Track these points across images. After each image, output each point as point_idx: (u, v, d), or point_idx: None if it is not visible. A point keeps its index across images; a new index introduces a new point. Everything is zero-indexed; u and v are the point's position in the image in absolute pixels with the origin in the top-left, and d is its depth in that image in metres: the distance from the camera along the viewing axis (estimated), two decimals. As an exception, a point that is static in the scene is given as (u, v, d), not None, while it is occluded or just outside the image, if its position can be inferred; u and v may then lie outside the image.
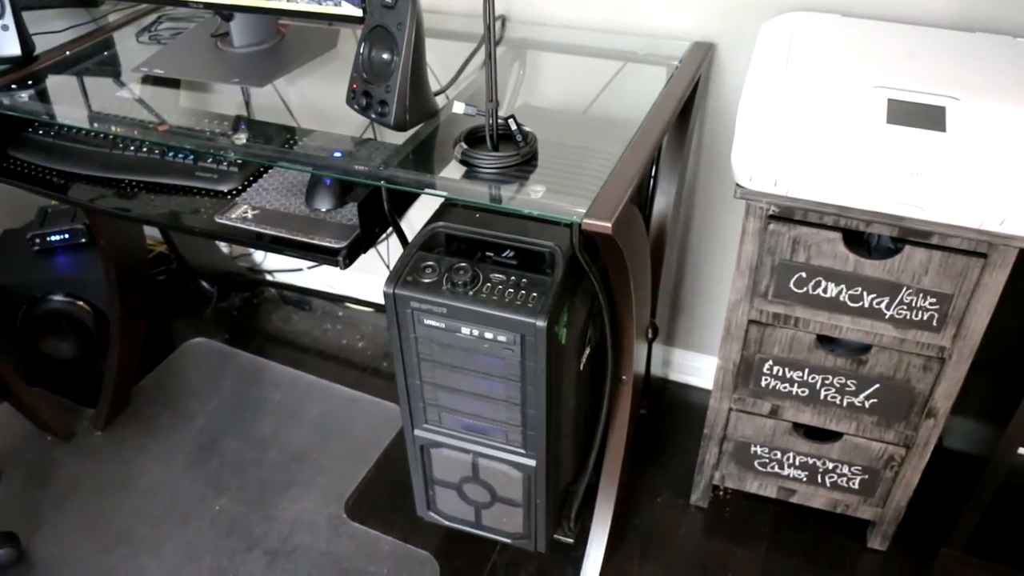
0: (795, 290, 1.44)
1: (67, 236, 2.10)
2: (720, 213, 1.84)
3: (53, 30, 1.77)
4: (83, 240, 2.11)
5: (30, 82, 1.60)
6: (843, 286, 1.41)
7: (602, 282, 1.33)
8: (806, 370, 1.53)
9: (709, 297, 1.98)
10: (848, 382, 1.52)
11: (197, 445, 2.01)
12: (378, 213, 1.34)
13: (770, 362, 1.55)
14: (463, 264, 1.27)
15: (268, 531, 1.81)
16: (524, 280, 1.25)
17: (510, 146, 1.27)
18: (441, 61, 1.57)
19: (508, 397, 1.33)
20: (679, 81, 1.49)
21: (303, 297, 2.44)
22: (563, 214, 1.15)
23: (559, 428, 1.40)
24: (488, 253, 1.33)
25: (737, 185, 1.35)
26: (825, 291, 1.43)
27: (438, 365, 1.34)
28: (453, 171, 1.27)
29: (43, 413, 2.03)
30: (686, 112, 1.57)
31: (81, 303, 2.07)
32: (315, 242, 1.30)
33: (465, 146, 1.26)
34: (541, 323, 1.20)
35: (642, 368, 1.81)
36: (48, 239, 2.09)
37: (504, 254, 1.32)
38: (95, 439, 2.05)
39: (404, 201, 1.41)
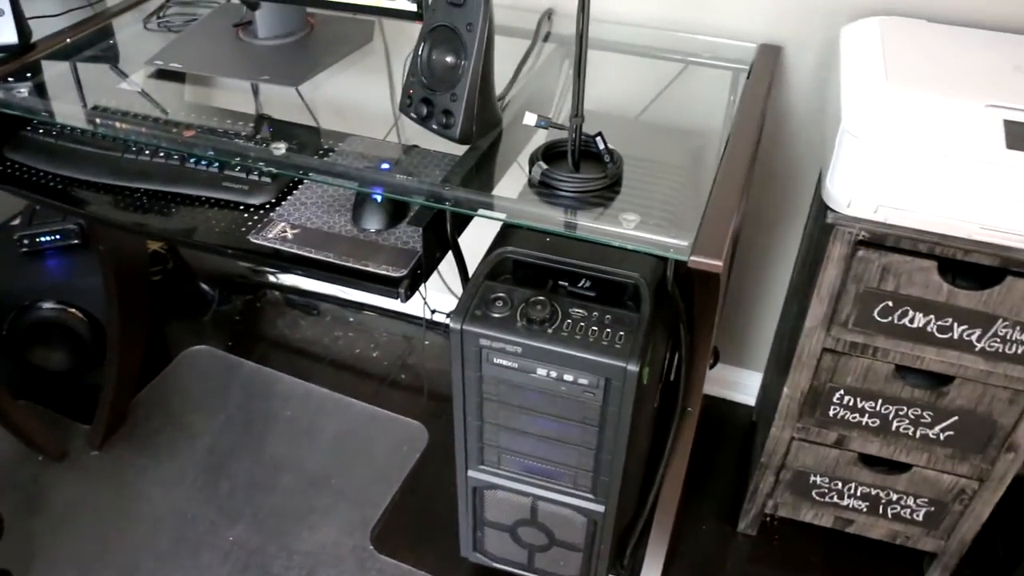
0: (878, 319, 1.33)
1: (59, 237, 1.92)
2: (774, 225, 1.72)
3: (49, 14, 1.59)
4: (76, 241, 1.93)
5: (28, 74, 1.43)
6: (932, 316, 1.31)
7: (686, 315, 1.21)
8: (879, 400, 1.43)
9: (755, 311, 1.87)
10: (924, 414, 1.42)
11: (204, 467, 1.86)
12: (439, 237, 1.20)
13: (841, 391, 1.44)
14: (540, 298, 1.14)
15: (288, 565, 1.67)
16: (608, 317, 1.12)
17: (592, 165, 1.14)
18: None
19: (582, 442, 1.20)
20: (757, 89, 1.37)
21: (310, 301, 2.28)
22: (664, 249, 1.03)
23: (631, 470, 1.28)
24: (561, 282, 1.20)
25: (828, 209, 1.24)
26: (911, 321, 1.32)
27: (504, 406, 1.21)
28: (525, 190, 1.13)
29: (32, 430, 1.87)
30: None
31: (74, 310, 1.90)
32: (370, 269, 1.16)
33: (544, 165, 1.12)
34: (633, 367, 1.08)
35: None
36: (37, 240, 1.91)
37: (580, 284, 1.19)
38: (91, 459, 1.88)
39: (464, 220, 1.27)
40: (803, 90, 1.54)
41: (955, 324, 1.30)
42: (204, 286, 2.25)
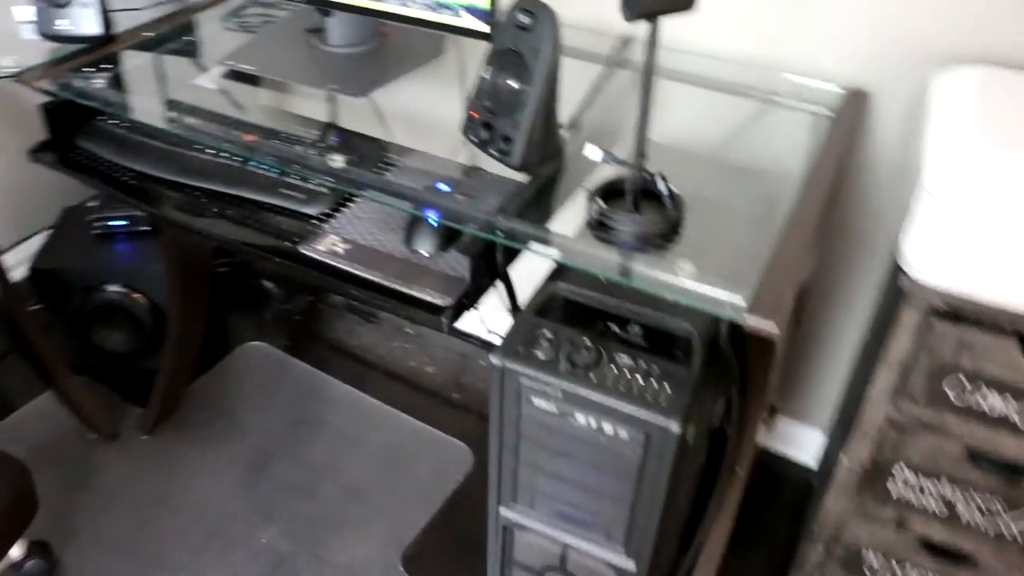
0: (950, 397, 1.24)
1: (129, 223, 1.95)
2: (851, 279, 1.63)
3: (134, 7, 1.60)
4: (145, 227, 1.96)
5: (107, 65, 1.44)
6: (1011, 400, 1.21)
7: (740, 374, 1.14)
8: (947, 484, 1.33)
9: (824, 366, 1.77)
10: (997, 506, 1.32)
11: (247, 464, 1.86)
12: (489, 265, 1.16)
13: (905, 468, 1.35)
14: (586, 342, 1.08)
15: (318, 575, 1.65)
16: (656, 368, 1.07)
17: (652, 206, 1.08)
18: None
19: (617, 495, 1.15)
20: (838, 136, 1.29)
21: (370, 308, 2.27)
22: (718, 306, 0.97)
23: (667, 529, 1.22)
24: (611, 325, 1.14)
25: (902, 272, 1.15)
26: (988, 403, 1.22)
27: (541, 448, 1.16)
28: (583, 232, 1.08)
29: (87, 407, 1.90)
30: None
31: (138, 295, 1.92)
32: (415, 294, 1.13)
33: (602, 203, 1.07)
34: (675, 427, 1.02)
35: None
36: (109, 224, 1.94)
37: (630, 329, 1.13)
38: (140, 443, 1.91)
39: (516, 251, 1.22)
40: (891, 140, 1.45)
41: (1038, 409, 1.20)
42: (267, 283, 2.26)
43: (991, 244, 1.06)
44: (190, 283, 1.84)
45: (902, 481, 1.37)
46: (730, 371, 1.12)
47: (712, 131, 1.37)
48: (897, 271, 1.18)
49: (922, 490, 1.36)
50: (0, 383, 2.05)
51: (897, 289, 1.17)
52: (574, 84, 1.36)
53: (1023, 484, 1.27)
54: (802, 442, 1.89)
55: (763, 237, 1.07)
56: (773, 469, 1.90)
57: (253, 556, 1.68)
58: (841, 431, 1.54)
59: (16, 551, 1.61)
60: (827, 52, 1.42)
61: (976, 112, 1.17)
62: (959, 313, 1.15)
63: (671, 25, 1.49)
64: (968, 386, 1.22)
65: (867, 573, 1.51)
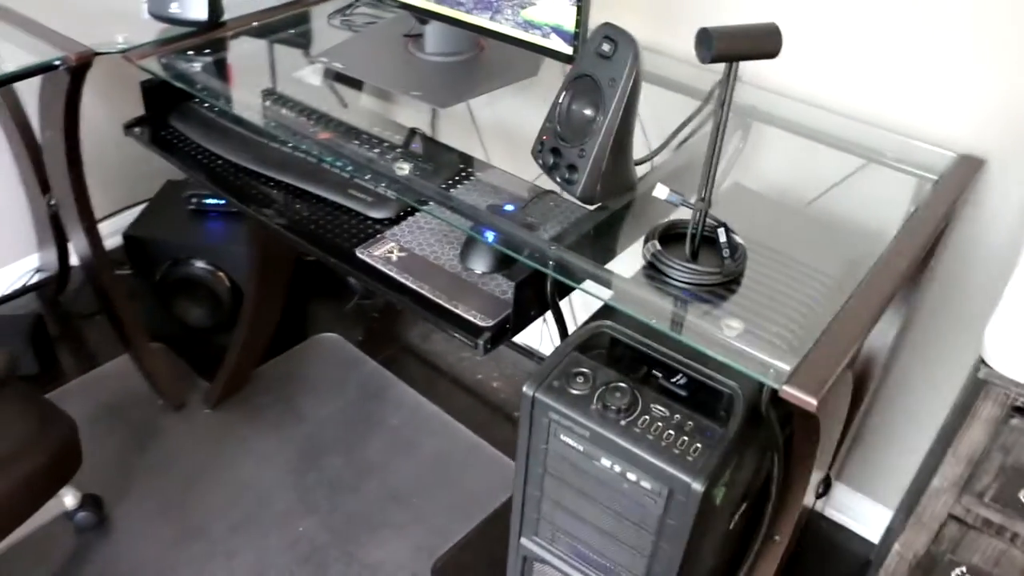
0: (1024, 500, 1.14)
1: (222, 203, 2.01)
2: (939, 358, 1.52)
3: (249, -5, 1.65)
4: (236, 210, 2.01)
5: (208, 50, 1.48)
6: (1090, 512, 1.10)
7: (783, 442, 1.08)
8: (1009, 590, 1.23)
9: (899, 443, 1.66)
10: (1061, 621, 1.20)
11: (300, 451, 1.89)
12: (539, 293, 1.13)
13: (963, 570, 1.25)
14: (622, 385, 1.04)
15: (346, 571, 1.66)
16: (691, 423, 1.02)
17: (712, 255, 1.04)
18: (649, 113, 1.34)
19: (636, 545, 1.10)
20: (938, 204, 1.21)
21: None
22: (757, 370, 0.91)
23: (689, 589, 1.16)
24: (655, 372, 1.10)
25: (983, 363, 1.06)
26: (1065, 513, 1.12)
27: (565, 485, 1.13)
28: (636, 272, 1.04)
29: (160, 375, 1.96)
30: (935, 242, 1.27)
31: (221, 274, 1.98)
32: (458, 312, 1.11)
33: (658, 247, 1.03)
34: (698, 486, 0.97)
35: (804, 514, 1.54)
36: (203, 202, 2.01)
37: (674, 379, 1.08)
38: (202, 416, 1.96)
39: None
40: (1004, 213, 1.35)
41: (1117, 528, 1.09)
42: (351, 278, 2.29)
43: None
44: (270, 269, 1.87)
45: (958, 581, 1.27)
46: (771, 437, 1.06)
47: (809, 184, 1.31)
48: (980, 359, 1.09)
49: (980, 594, 1.26)
50: (86, 340, 2.14)
51: (977, 380, 1.08)
52: (670, 119, 1.33)
53: (1092, 606, 1.16)
54: (869, 517, 1.78)
55: (829, 303, 1.01)
56: (834, 538, 1.80)
57: (287, 543, 1.70)
58: (903, 516, 1.45)
59: (70, 500, 1.67)
60: (947, 114, 1.33)
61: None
62: (1042, 413, 1.06)
63: (782, 69, 1.45)
64: (1044, 493, 1.12)
65: (911, 670, 1.41)
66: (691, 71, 1.49)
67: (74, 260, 2.11)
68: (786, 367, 0.91)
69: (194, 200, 2.00)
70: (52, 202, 1.89)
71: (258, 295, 1.89)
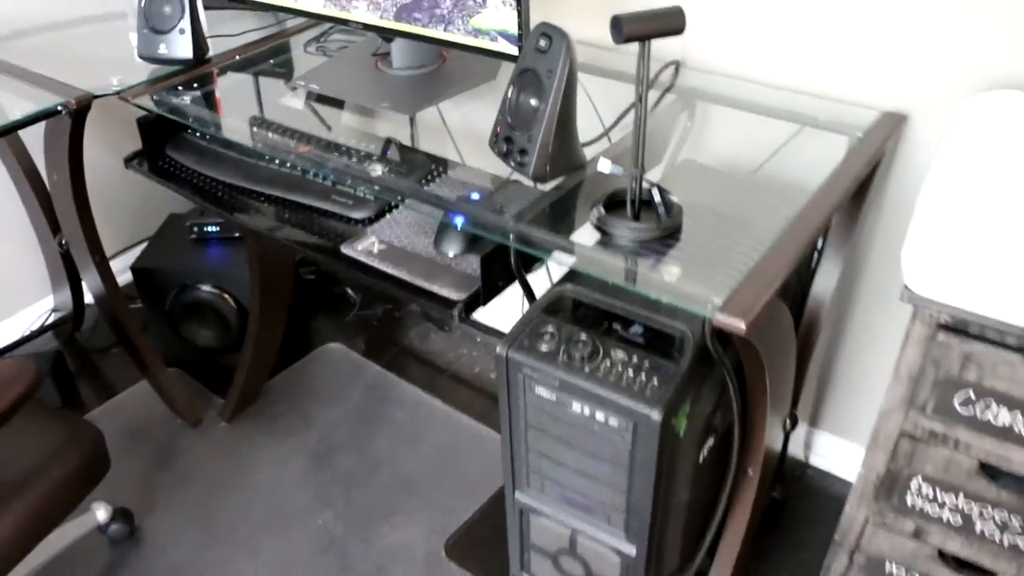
0: (959, 410, 1.26)
1: (222, 229, 2.15)
2: (888, 300, 1.66)
3: (230, 33, 1.80)
4: (236, 235, 2.15)
5: (196, 85, 1.63)
6: (1019, 413, 1.22)
7: (734, 372, 1.21)
8: (962, 496, 1.34)
9: (866, 382, 1.79)
10: (1012, 519, 1.32)
11: (313, 454, 2.02)
12: (504, 266, 1.27)
13: (920, 480, 1.37)
14: (584, 336, 1.18)
15: (364, 556, 1.78)
16: (647, 363, 1.15)
17: (652, 217, 1.17)
18: (608, 104, 1.48)
19: (614, 482, 1.23)
20: (858, 156, 1.34)
21: (442, 318, 2.41)
22: (695, 304, 1.04)
23: (666, 518, 1.29)
24: (615, 325, 1.23)
25: (905, 287, 1.19)
26: (996, 417, 1.24)
27: (546, 435, 1.26)
28: (586, 237, 1.18)
29: (176, 396, 2.09)
30: (863, 189, 1.40)
31: (226, 296, 2.12)
32: (433, 290, 1.25)
33: (602, 211, 1.17)
34: (656, 415, 1.10)
35: (775, 457, 1.66)
36: (205, 229, 2.15)
37: (631, 329, 1.21)
38: (219, 430, 2.09)
39: (533, 256, 1.33)
40: (926, 167, 1.48)
41: (1043, 426, 1.21)
42: (349, 290, 2.43)
43: (994, 261, 1.09)
44: (271, 286, 2.01)
45: (918, 493, 1.38)
46: (724, 371, 1.19)
47: (751, 153, 1.43)
48: (904, 286, 1.22)
49: (938, 502, 1.37)
50: (104, 372, 2.28)
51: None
52: (621, 106, 1.47)
53: (1035, 500, 1.28)
54: (854, 461, 1.90)
55: (758, 248, 1.14)
56: (821, 485, 1.92)
57: (308, 536, 1.83)
58: (870, 447, 1.57)
59: (102, 514, 1.80)
60: (869, 78, 1.47)
61: (985, 133, 1.21)
62: (964, 327, 1.18)
63: (721, 52, 1.59)
64: (976, 400, 1.24)
65: (888, 587, 1.52)
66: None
67: (87, 299, 2.26)
68: (719, 300, 1.04)
69: (196, 229, 2.14)
70: (63, 242, 2.04)
71: (262, 312, 2.02)
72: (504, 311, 2.31)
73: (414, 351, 2.32)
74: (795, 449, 1.87)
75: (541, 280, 1.45)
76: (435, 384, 2.20)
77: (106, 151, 2.16)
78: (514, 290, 1.80)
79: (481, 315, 2.38)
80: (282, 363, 2.24)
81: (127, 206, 2.41)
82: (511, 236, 1.19)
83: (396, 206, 1.42)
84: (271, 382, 2.20)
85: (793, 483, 1.92)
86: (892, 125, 1.44)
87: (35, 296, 2.36)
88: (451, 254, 1.31)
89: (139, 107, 1.57)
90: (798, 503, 1.88)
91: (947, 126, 1.42)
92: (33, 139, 1.87)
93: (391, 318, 2.43)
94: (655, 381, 1.13)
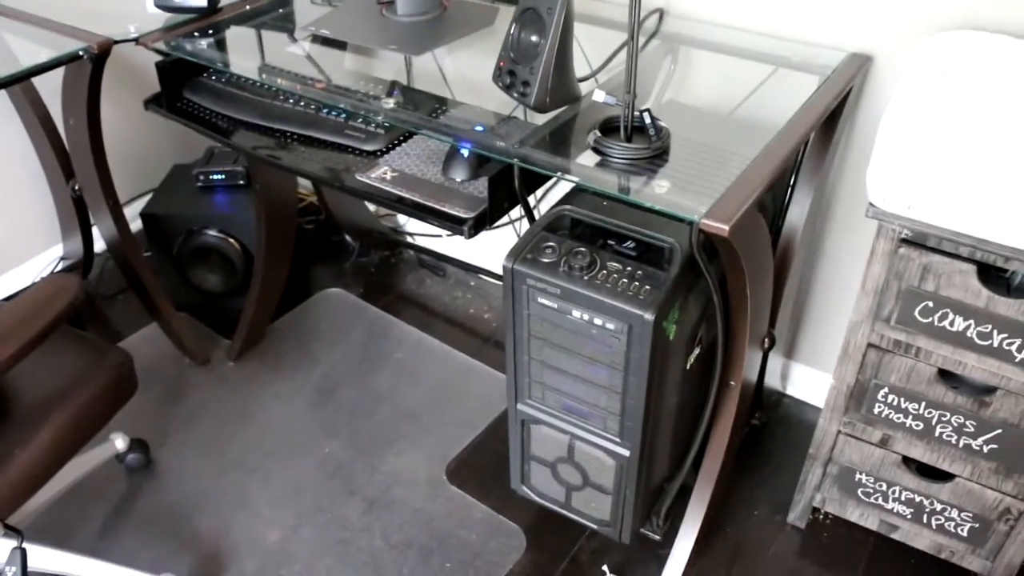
0: (920, 319, 1.39)
1: (227, 176, 2.24)
2: (858, 231, 1.79)
3: (237, -16, 1.89)
4: (241, 182, 2.25)
5: (210, 31, 1.72)
6: (972, 321, 1.35)
7: (718, 285, 1.33)
8: (923, 403, 1.48)
9: (837, 315, 1.93)
10: (967, 423, 1.46)
11: (318, 389, 2.12)
12: (509, 190, 1.38)
13: (885, 389, 1.50)
14: (582, 248, 1.29)
15: (370, 480, 1.90)
16: (640, 272, 1.27)
17: (643, 139, 1.28)
18: (595, 48, 1.59)
19: (610, 384, 1.35)
20: (827, 91, 1.46)
21: (439, 263, 2.52)
22: (682, 211, 1.16)
23: (658, 422, 1.41)
24: (610, 241, 1.35)
25: (870, 204, 1.32)
26: (952, 324, 1.37)
27: (547, 344, 1.37)
28: (585, 158, 1.29)
29: (185, 337, 2.19)
30: (832, 124, 1.53)
31: (232, 240, 2.21)
32: (444, 209, 1.36)
33: (598, 134, 1.28)
34: (649, 316, 1.22)
35: (755, 377, 1.78)
36: (211, 177, 2.24)
37: (625, 244, 1.33)
38: (227, 368, 2.19)
39: (536, 181, 1.44)
40: (888, 97, 1.60)
41: (995, 332, 1.34)
42: (348, 238, 2.54)
43: (946, 177, 1.21)
44: (277, 230, 2.11)
45: (884, 402, 1.51)
46: (707, 278, 1.31)
47: (729, 93, 1.55)
48: (869, 203, 1.34)
49: (902, 410, 1.50)
50: (112, 317, 2.38)
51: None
52: (605, 50, 1.58)
53: (988, 403, 1.41)
54: (822, 389, 2.04)
55: (737, 168, 1.26)
56: (798, 412, 2.06)
57: (316, 463, 1.94)
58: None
59: (120, 444, 1.90)
60: (837, 22, 1.59)
61: (941, 68, 1.33)
62: (923, 241, 1.31)
63: (707, 1, 1.70)
64: (935, 309, 1.36)
65: (859, 494, 1.66)
66: (624, 10, 1.73)
67: (97, 247, 2.35)
68: (703, 208, 1.16)
69: (202, 176, 2.23)
70: (76, 187, 2.12)
71: (267, 255, 2.12)
72: (497, 254, 2.43)
73: (411, 295, 2.43)
74: (772, 380, 2.01)
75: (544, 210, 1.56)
76: (431, 325, 2.32)
77: (108, 104, 2.24)
78: (506, 236, 1.93)
79: (475, 259, 2.49)
80: (283, 308, 2.34)
81: (131, 158, 2.50)
82: (515, 159, 1.31)
83: (405, 139, 1.52)
84: (274, 325, 2.31)
85: (771, 410, 2.06)
86: (859, 64, 1.56)
87: (44, 244, 2.44)
88: (458, 179, 1.42)
89: (158, 51, 1.66)
90: (776, 428, 2.02)
91: (907, 63, 1.55)
92: (46, 87, 1.96)
93: (388, 264, 2.54)
94: (647, 287, 1.25)
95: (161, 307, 2.14)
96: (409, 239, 2.59)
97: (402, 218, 2.60)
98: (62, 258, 2.44)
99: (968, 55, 1.38)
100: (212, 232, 2.20)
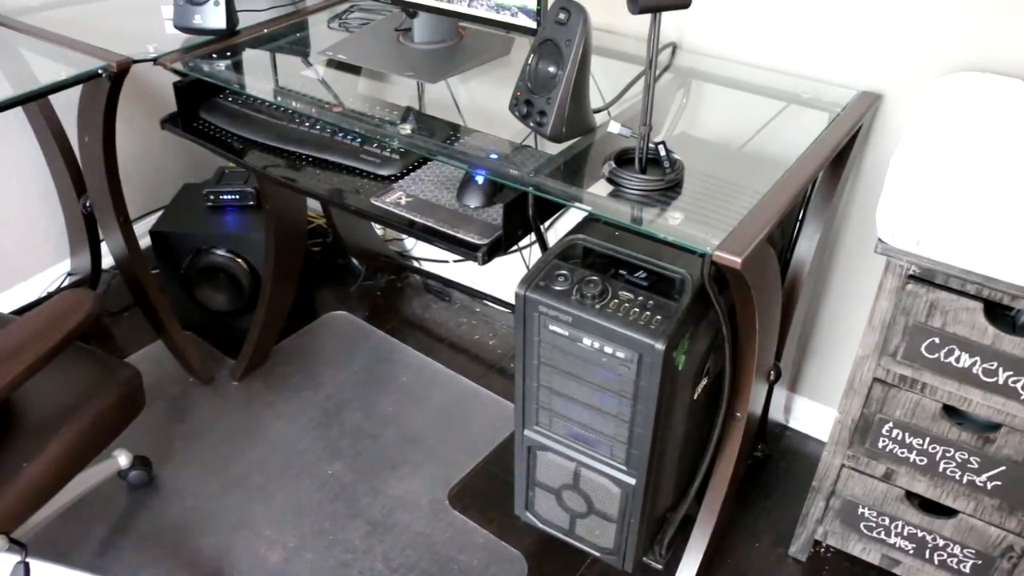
0: (926, 355, 1.40)
1: (237, 196, 2.26)
2: (865, 267, 1.80)
3: (257, 8, 1.92)
4: (251, 203, 2.26)
5: (228, 53, 1.75)
6: (978, 358, 1.36)
7: (728, 316, 1.34)
8: (927, 439, 1.49)
9: (842, 350, 1.94)
10: (971, 459, 1.47)
11: (322, 410, 2.13)
12: (523, 217, 1.40)
13: (890, 424, 1.51)
14: (594, 277, 1.31)
15: (372, 503, 1.90)
16: (651, 302, 1.28)
17: (657, 171, 1.30)
18: (609, 80, 1.62)
19: (618, 413, 1.36)
20: (837, 128, 1.48)
21: (445, 288, 2.54)
22: (696, 243, 1.18)
23: (664, 451, 1.42)
24: (621, 271, 1.36)
25: (879, 240, 1.33)
26: (958, 360, 1.38)
27: (556, 371, 1.38)
28: (599, 188, 1.31)
29: (190, 356, 2.20)
30: (842, 160, 1.55)
31: (240, 260, 2.23)
32: (459, 235, 1.37)
33: (613, 165, 1.30)
34: (660, 345, 1.23)
35: (760, 409, 1.80)
36: (221, 197, 2.26)
37: (636, 274, 1.35)
38: (231, 388, 2.20)
39: (549, 210, 1.46)
40: (898, 135, 1.63)
41: (1000, 369, 1.35)
42: (355, 261, 2.55)
43: (955, 215, 1.23)
44: (285, 252, 2.12)
45: (888, 436, 1.52)
46: (718, 309, 1.32)
47: (740, 128, 1.57)
48: (878, 239, 1.36)
49: (906, 445, 1.51)
50: (117, 334, 2.38)
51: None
52: (624, 82, 1.60)
53: (992, 439, 1.42)
54: (825, 423, 2.05)
55: (749, 202, 1.27)
56: (800, 445, 2.07)
57: (319, 484, 1.94)
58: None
59: (124, 460, 1.90)
60: (848, 61, 1.62)
61: (951, 109, 1.36)
62: (930, 277, 1.32)
63: (715, 36, 1.73)
64: (941, 345, 1.38)
65: (862, 527, 1.66)
66: (637, 44, 1.77)
67: (105, 263, 2.36)
68: (716, 240, 1.17)
69: (212, 196, 2.25)
70: (87, 203, 2.14)
71: (275, 275, 2.14)
72: (503, 280, 2.44)
73: (416, 320, 2.44)
74: (776, 413, 2.01)
75: (552, 238, 1.58)
76: (436, 350, 2.32)
77: (121, 122, 2.26)
78: (512, 263, 1.94)
79: (481, 285, 2.51)
80: (290, 329, 2.35)
81: (142, 175, 2.52)
82: (530, 188, 1.32)
83: (420, 165, 1.54)
84: (279, 346, 2.32)
85: (774, 443, 2.06)
86: (868, 103, 1.58)
87: (52, 260, 2.45)
88: (473, 206, 1.43)
89: (176, 71, 1.69)
90: (778, 461, 2.02)
91: (918, 103, 1.58)
92: (61, 103, 1.98)
93: (394, 288, 2.55)
94: (658, 317, 1.26)
95: (167, 325, 2.15)
96: (415, 264, 2.61)
97: (409, 242, 2.62)
98: (69, 273, 2.45)
99: (978, 96, 1.40)
100: (220, 252, 2.21)
